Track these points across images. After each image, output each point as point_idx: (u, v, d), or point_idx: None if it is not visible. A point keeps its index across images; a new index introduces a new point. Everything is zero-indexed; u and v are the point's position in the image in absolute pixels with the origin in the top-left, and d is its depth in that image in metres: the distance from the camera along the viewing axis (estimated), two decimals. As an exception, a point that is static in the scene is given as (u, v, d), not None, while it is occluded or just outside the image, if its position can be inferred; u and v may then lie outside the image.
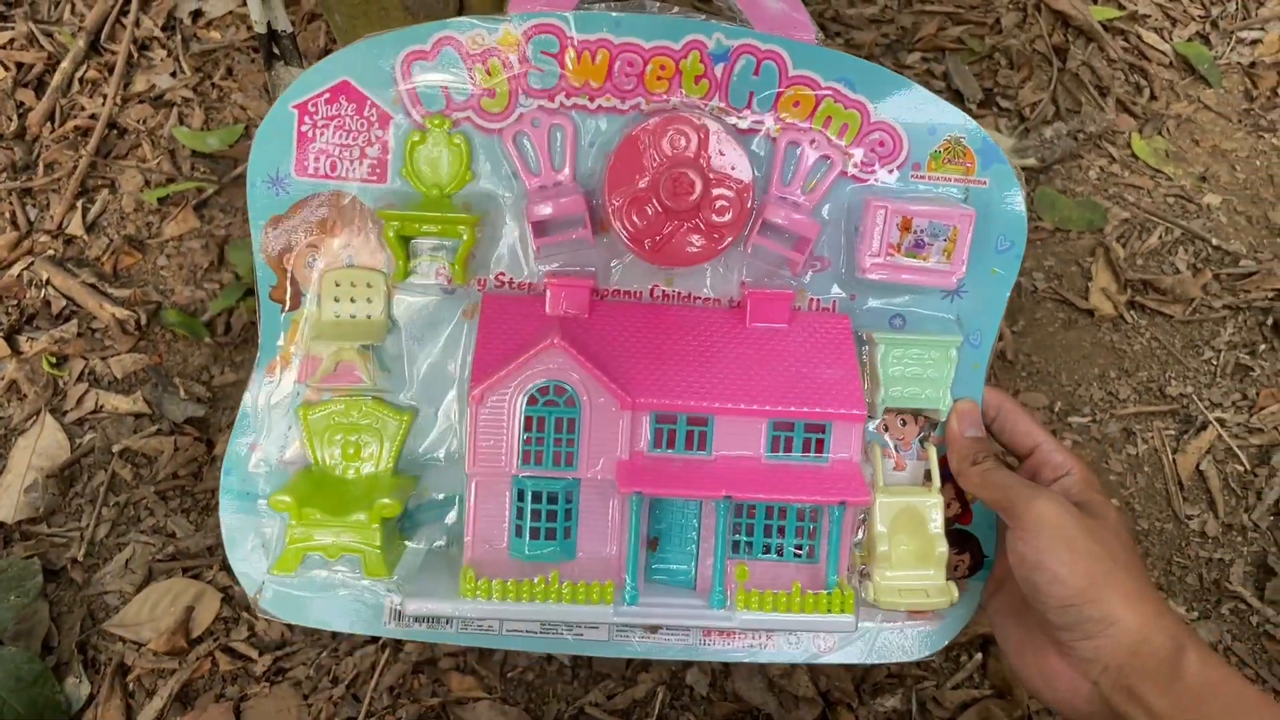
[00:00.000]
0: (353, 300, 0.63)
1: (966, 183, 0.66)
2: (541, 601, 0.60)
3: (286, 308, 0.64)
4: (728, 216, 0.62)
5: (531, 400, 0.60)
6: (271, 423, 0.65)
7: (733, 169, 0.62)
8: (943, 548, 0.64)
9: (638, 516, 0.61)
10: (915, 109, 0.65)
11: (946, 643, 0.69)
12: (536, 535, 0.62)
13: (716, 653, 0.68)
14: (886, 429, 0.67)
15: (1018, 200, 0.66)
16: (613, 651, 0.67)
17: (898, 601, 0.64)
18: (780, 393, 0.63)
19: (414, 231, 0.62)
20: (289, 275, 0.63)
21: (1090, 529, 0.58)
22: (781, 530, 0.63)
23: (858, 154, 0.65)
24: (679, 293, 0.67)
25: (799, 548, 0.63)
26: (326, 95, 0.62)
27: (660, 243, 0.62)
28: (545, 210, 0.63)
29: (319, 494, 0.62)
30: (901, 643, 0.68)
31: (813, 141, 0.65)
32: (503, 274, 0.65)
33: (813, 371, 0.64)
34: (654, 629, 0.67)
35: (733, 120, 0.64)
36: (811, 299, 0.68)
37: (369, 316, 0.63)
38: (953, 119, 0.66)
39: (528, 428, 0.61)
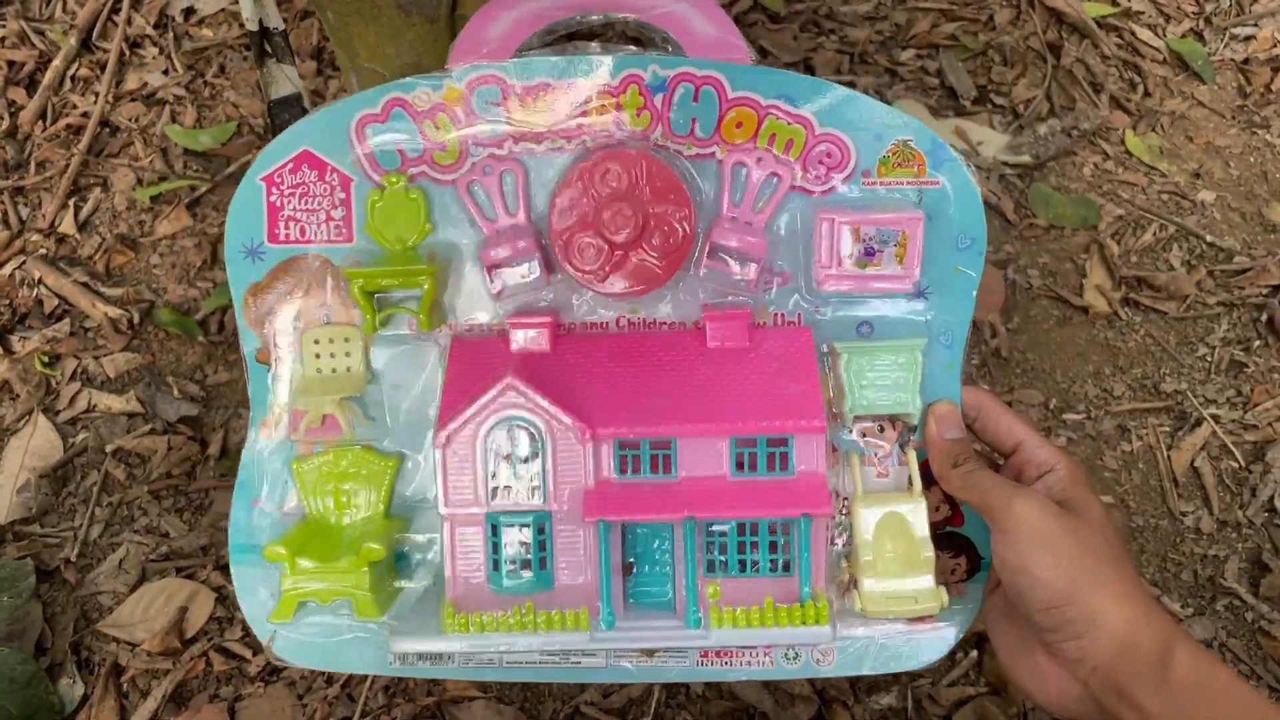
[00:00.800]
0: (332, 355, 0.67)
1: (919, 184, 0.66)
2: (519, 632, 0.61)
3: (273, 369, 0.67)
4: (670, 243, 0.64)
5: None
6: (270, 478, 0.68)
7: (671, 198, 0.64)
8: (929, 552, 0.63)
9: (607, 543, 0.62)
10: (859, 117, 0.66)
11: (950, 646, 0.67)
12: (514, 567, 0.63)
13: (714, 673, 0.68)
14: (865, 436, 0.67)
15: (974, 197, 0.66)
16: (614, 677, 0.68)
17: (885, 610, 0.63)
18: (740, 411, 0.63)
19: (377, 286, 0.65)
20: (272, 339, 0.67)
21: (1072, 529, 0.57)
22: (755, 546, 0.63)
23: (798, 170, 0.66)
24: (644, 319, 0.68)
25: (774, 563, 0.63)
26: (290, 165, 0.66)
27: (605, 276, 0.64)
28: (498, 254, 0.65)
29: (313, 543, 0.65)
30: (903, 650, 0.67)
31: (759, 160, 0.66)
32: (471, 319, 0.68)
33: (773, 387, 0.64)
34: (650, 653, 0.67)
35: (678, 148, 0.66)
36: (775, 313, 0.68)
37: (348, 369, 0.67)
38: (898, 122, 0.65)
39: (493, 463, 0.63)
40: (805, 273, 0.67)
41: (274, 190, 0.66)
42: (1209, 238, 1.25)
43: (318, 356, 0.67)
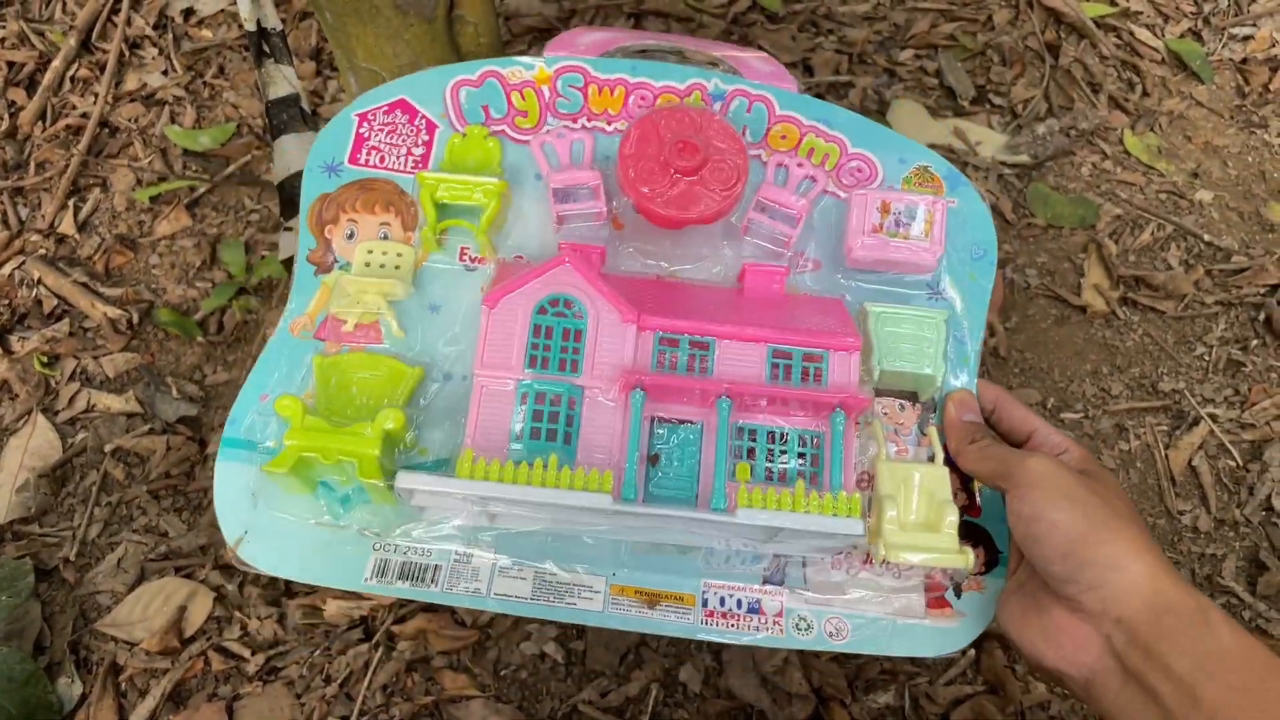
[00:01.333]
0: (382, 265, 0.69)
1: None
2: (539, 485, 0.59)
3: (319, 270, 0.70)
4: (729, 174, 0.68)
5: (541, 310, 0.65)
6: (288, 371, 0.68)
7: (730, 142, 0.70)
8: (953, 515, 0.62)
9: (639, 416, 0.62)
10: (886, 143, 0.75)
11: (970, 639, 0.66)
12: (537, 436, 0.63)
13: (717, 633, 0.65)
14: (886, 414, 0.69)
15: (985, 216, 0.74)
16: (609, 622, 0.65)
17: (909, 549, 0.61)
18: (779, 326, 0.66)
19: (448, 196, 0.69)
20: (328, 242, 0.71)
21: (1086, 482, 0.57)
22: (784, 454, 0.64)
23: (831, 180, 0.75)
24: (682, 278, 0.73)
25: (801, 473, 0.64)
26: (385, 108, 0.74)
27: (669, 201, 0.68)
28: (565, 179, 0.70)
29: (320, 428, 0.63)
30: (919, 636, 0.66)
31: (799, 164, 0.73)
32: (520, 256, 0.72)
33: (809, 319, 0.68)
34: (653, 603, 0.66)
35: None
36: (807, 294, 0.73)
37: (397, 268, 0.69)
38: (918, 152, 0.75)
39: (536, 334, 0.65)
40: (835, 262, 0.73)
41: (365, 124, 0.73)
42: (1207, 237, 1.25)
43: (368, 265, 0.69)
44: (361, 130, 0.73)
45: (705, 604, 0.66)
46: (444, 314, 0.69)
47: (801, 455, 0.64)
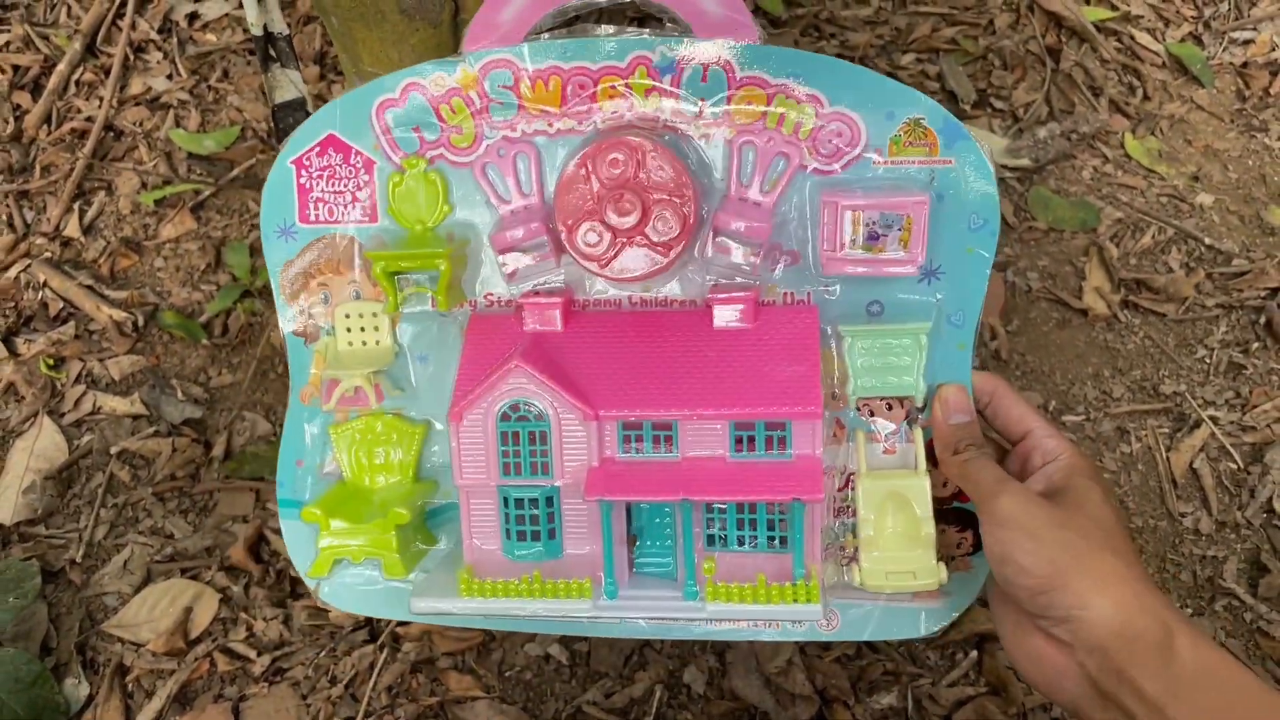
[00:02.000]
0: (362, 330, 0.70)
1: (931, 164, 0.65)
2: (528, 598, 0.64)
3: (308, 341, 0.71)
4: (672, 230, 0.65)
5: (504, 417, 0.65)
6: (310, 441, 0.72)
7: (674, 185, 0.65)
8: (929, 529, 0.64)
9: (609, 519, 0.64)
10: (869, 95, 0.64)
11: (953, 617, 0.68)
12: (524, 538, 0.66)
13: (719, 633, 0.69)
14: (872, 414, 0.68)
15: (986, 177, 0.65)
16: (620, 632, 0.70)
17: (884, 585, 0.64)
18: (740, 394, 0.65)
19: (397, 268, 0.67)
20: (306, 314, 0.71)
21: (1059, 519, 0.57)
22: (753, 523, 0.66)
23: (806, 151, 0.66)
24: (655, 297, 0.69)
25: (770, 539, 0.66)
26: (317, 149, 0.68)
27: (608, 262, 0.66)
28: (509, 237, 0.67)
29: (347, 504, 0.69)
30: (906, 619, 0.69)
31: (768, 140, 0.65)
32: (490, 294, 0.70)
33: (774, 371, 0.66)
34: None
35: (686, 129, 0.66)
36: (785, 293, 0.68)
37: (377, 343, 0.70)
38: (909, 100, 0.65)
39: (504, 441, 0.65)
40: (815, 252, 0.67)
41: (303, 173, 0.69)
42: (1208, 240, 1.25)
43: (349, 330, 0.70)
44: (301, 180, 0.69)
45: None
46: (433, 363, 0.70)
47: (770, 524, 0.66)
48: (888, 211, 0.64)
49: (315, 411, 0.71)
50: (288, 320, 0.71)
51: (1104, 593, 0.55)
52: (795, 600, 0.63)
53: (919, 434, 0.67)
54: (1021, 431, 0.66)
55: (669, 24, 0.67)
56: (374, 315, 0.70)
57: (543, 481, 0.66)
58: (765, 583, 0.63)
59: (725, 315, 0.67)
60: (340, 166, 0.68)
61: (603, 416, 0.65)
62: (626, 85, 0.65)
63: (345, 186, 0.69)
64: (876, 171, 0.65)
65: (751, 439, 0.65)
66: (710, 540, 0.66)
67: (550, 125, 0.67)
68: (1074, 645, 0.56)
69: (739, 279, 0.68)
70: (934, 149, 0.65)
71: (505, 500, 0.66)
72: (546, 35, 0.66)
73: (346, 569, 0.71)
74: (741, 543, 0.66)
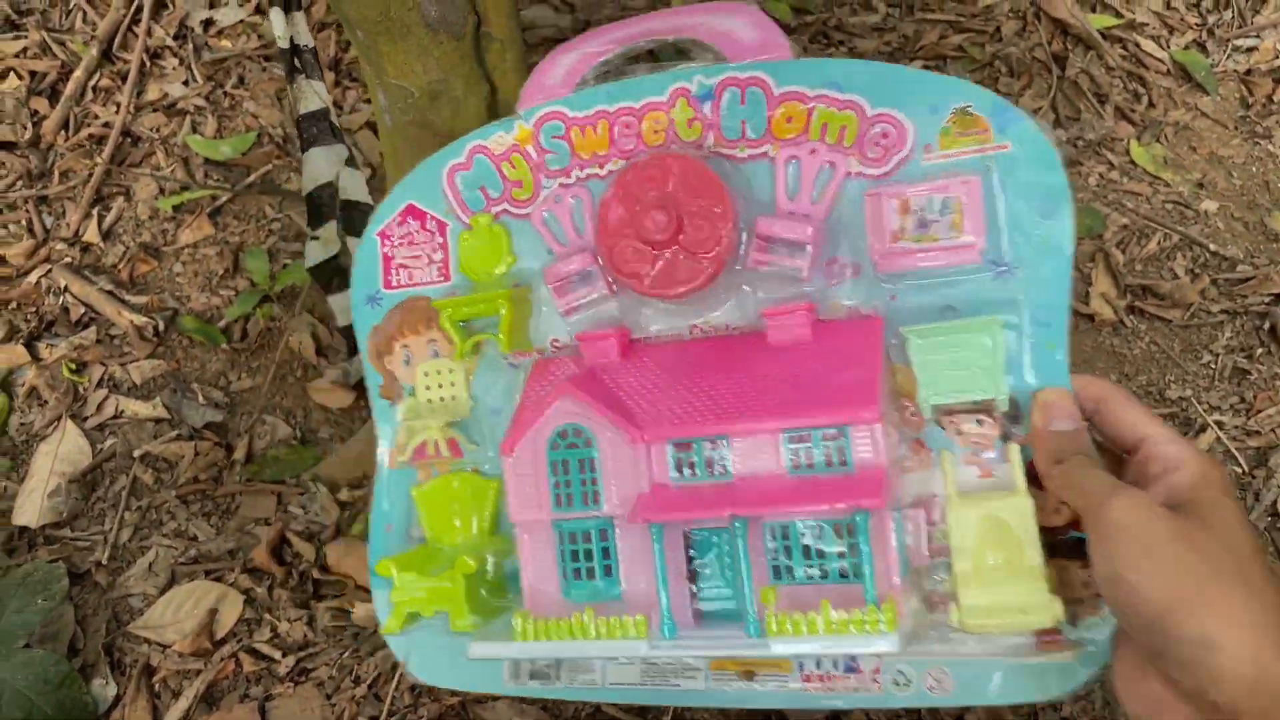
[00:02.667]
0: (440, 386, 0.72)
1: (986, 152, 0.61)
2: (578, 639, 0.60)
3: (393, 402, 0.73)
4: (707, 236, 0.63)
5: (554, 445, 0.63)
6: (396, 502, 0.73)
7: (707, 193, 0.64)
8: (1036, 556, 0.54)
9: (662, 548, 0.60)
10: (912, 92, 0.61)
11: (1093, 672, 0.57)
12: (579, 575, 0.63)
13: (814, 699, 0.63)
14: (959, 432, 0.60)
15: (1049, 155, 0.59)
16: (715, 700, 0.65)
17: (986, 623, 0.55)
18: (792, 403, 0.60)
19: (462, 315, 0.70)
20: (391, 373, 0.73)
21: (1182, 533, 0.47)
22: (820, 552, 0.59)
23: (853, 158, 0.64)
24: (715, 327, 0.67)
25: (841, 569, 0.58)
26: (398, 219, 0.73)
27: (655, 283, 0.65)
28: (560, 270, 0.68)
29: (423, 561, 0.69)
30: (1032, 679, 0.58)
31: (812, 151, 0.64)
32: (556, 339, 0.70)
33: (829, 378, 0.61)
34: (750, 674, 0.65)
35: (731, 153, 0.66)
36: (849, 307, 0.64)
37: (454, 398, 0.72)
38: (952, 90, 0.61)
39: (554, 471, 0.63)
40: (871, 261, 0.63)
41: (387, 243, 0.73)
42: (1212, 247, 1.27)
43: (427, 388, 0.72)
44: (386, 250, 0.73)
45: (801, 667, 0.62)
46: (505, 416, 0.70)
47: (840, 554, 0.59)
48: (934, 195, 0.60)
49: (402, 475, 0.72)
50: (374, 384, 0.73)
51: (1237, 630, 0.45)
52: (864, 629, 0.54)
53: (1015, 451, 0.58)
54: (1135, 439, 0.54)
55: (706, 56, 0.68)
56: (450, 370, 0.72)
57: (594, 512, 0.62)
58: (830, 610, 0.55)
59: (779, 329, 0.64)
60: (418, 232, 0.72)
61: (651, 438, 0.62)
62: (670, 120, 0.66)
63: (423, 250, 0.72)
64: (929, 167, 0.61)
65: (810, 452, 0.59)
66: (776, 572, 0.59)
67: (601, 168, 0.69)
68: (1199, 696, 0.46)
69: (793, 292, 0.64)
70: (986, 135, 0.60)
71: (560, 535, 0.63)
72: (592, 82, 0.69)
73: (429, 643, 0.69)
74: (809, 574, 0.59)
